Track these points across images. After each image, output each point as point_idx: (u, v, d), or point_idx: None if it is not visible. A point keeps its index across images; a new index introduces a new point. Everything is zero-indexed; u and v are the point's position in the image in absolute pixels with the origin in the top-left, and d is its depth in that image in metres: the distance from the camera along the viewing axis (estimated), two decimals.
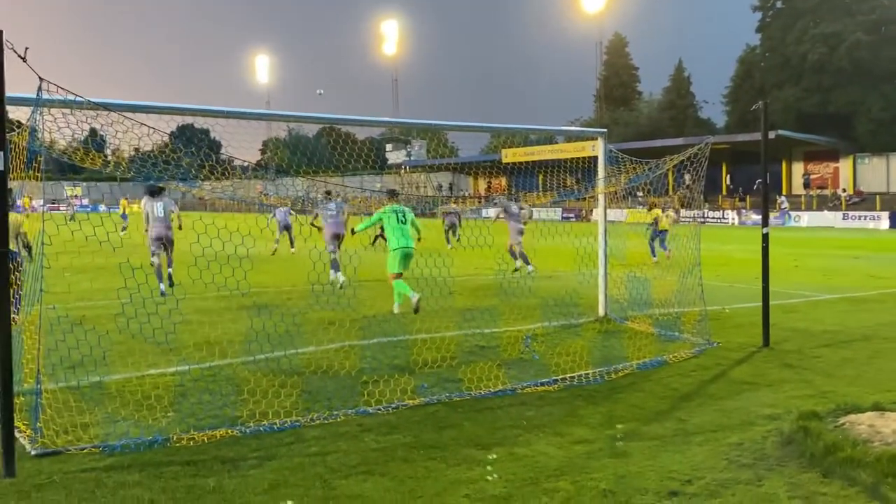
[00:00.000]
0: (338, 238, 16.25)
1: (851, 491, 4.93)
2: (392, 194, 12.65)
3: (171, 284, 14.70)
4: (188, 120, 7.67)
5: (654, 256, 20.30)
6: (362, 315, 10.00)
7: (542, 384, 7.75)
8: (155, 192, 15.09)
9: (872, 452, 5.34)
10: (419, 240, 12.67)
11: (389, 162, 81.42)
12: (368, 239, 20.99)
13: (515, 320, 10.83)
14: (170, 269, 15.07)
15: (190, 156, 7.48)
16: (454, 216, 26.63)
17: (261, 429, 6.27)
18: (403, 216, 12.19)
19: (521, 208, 19.05)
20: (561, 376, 7.98)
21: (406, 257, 12.05)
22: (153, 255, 14.67)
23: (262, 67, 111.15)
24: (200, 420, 6.51)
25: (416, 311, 10.89)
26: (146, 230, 15.21)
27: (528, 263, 17.89)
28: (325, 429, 6.34)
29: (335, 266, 15.49)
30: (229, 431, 6.20)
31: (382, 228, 12.59)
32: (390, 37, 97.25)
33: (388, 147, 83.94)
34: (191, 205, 45.99)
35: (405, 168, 74.41)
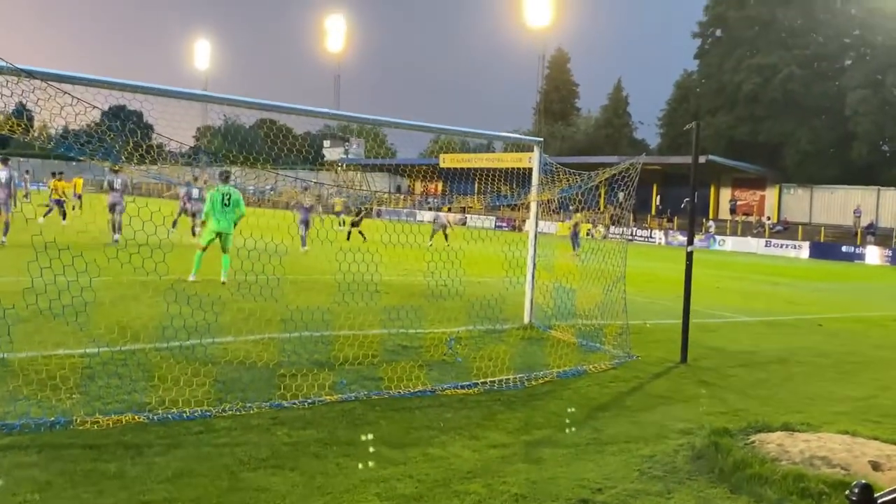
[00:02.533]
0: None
1: None
2: (224, 177, 13.92)
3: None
4: (121, 102, 7.39)
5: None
6: (286, 308, 9.80)
7: (463, 387, 7.71)
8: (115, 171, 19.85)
9: (779, 470, 5.44)
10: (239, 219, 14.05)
11: (326, 158, 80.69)
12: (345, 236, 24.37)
13: (440, 322, 10.78)
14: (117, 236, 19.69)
15: (117, 132, 7.22)
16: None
17: (169, 416, 6.07)
18: (228, 199, 13.76)
19: (312, 205, 24.29)
20: (481, 380, 7.95)
21: (219, 237, 13.86)
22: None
23: (201, 53, 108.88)
24: (107, 404, 6.28)
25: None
26: None
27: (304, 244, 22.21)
28: (236, 420, 6.17)
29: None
30: (136, 417, 5.99)
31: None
32: (335, 33, 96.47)
33: (326, 143, 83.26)
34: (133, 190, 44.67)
35: (342, 165, 73.84)
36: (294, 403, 6.69)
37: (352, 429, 6.19)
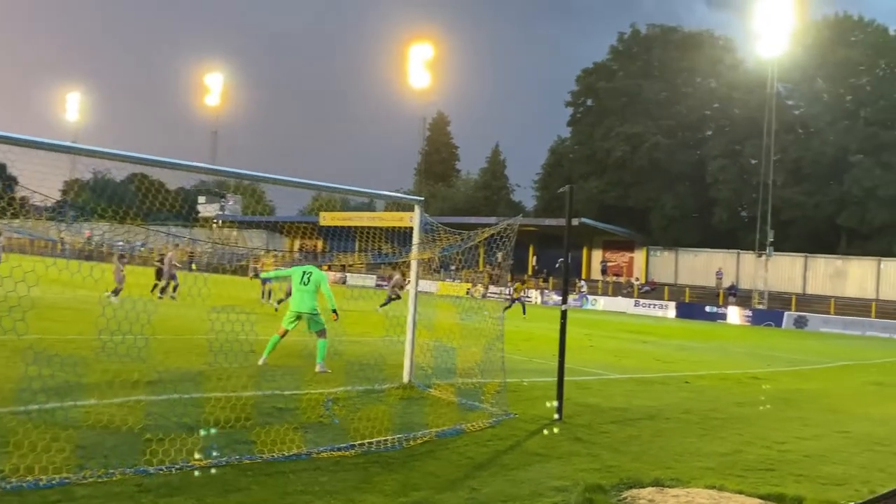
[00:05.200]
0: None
1: None
2: (312, 258, 12.79)
3: None
4: None
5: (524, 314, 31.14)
6: (154, 369, 9.41)
7: (339, 449, 7.55)
8: None
9: None
10: (335, 314, 12.48)
11: (201, 214, 78.78)
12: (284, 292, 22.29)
13: (318, 382, 10.59)
14: None
15: None
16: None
17: (24, 485, 5.67)
18: (309, 278, 12.30)
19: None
20: (359, 441, 7.82)
21: (298, 318, 12.29)
22: None
23: (71, 104, 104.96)
24: None
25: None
26: None
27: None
28: (97, 488, 5.82)
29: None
30: None
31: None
32: (214, 89, 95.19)
33: (201, 199, 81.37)
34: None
35: (218, 222, 72.27)
36: (161, 469, 6.38)
37: (222, 495, 5.94)
